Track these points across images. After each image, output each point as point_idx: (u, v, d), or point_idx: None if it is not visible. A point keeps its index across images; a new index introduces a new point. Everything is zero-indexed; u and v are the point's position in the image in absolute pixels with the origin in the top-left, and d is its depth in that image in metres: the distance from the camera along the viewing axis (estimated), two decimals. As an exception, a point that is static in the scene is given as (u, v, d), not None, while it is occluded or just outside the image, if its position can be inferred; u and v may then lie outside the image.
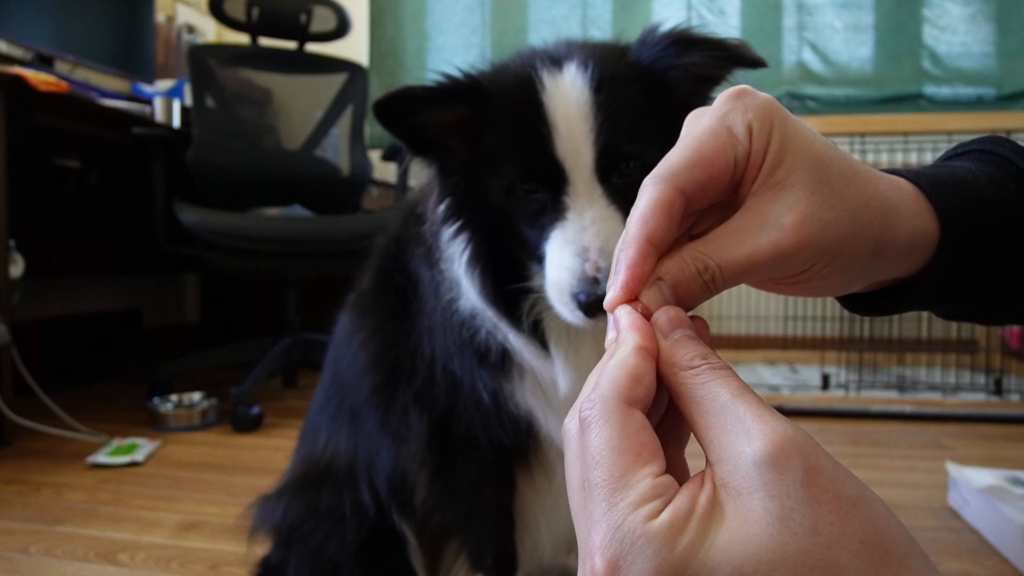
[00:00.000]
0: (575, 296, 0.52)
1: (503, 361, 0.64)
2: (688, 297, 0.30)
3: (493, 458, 0.68)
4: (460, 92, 0.59)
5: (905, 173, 0.34)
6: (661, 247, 0.30)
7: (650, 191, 0.30)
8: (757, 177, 0.30)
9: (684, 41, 0.58)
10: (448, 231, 0.62)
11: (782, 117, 0.30)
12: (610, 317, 0.30)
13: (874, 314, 0.38)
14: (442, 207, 0.62)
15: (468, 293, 0.63)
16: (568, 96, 0.55)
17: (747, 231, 0.29)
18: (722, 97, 0.31)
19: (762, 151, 0.30)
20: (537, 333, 0.61)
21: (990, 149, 0.37)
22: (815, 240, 0.29)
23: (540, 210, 0.56)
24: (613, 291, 0.30)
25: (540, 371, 0.63)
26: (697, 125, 0.31)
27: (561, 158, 0.55)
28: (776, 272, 0.30)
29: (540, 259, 0.57)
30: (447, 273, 0.64)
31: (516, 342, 0.62)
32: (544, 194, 0.56)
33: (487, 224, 0.60)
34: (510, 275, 0.60)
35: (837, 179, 0.30)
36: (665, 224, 0.29)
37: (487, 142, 0.58)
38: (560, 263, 0.53)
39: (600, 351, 0.65)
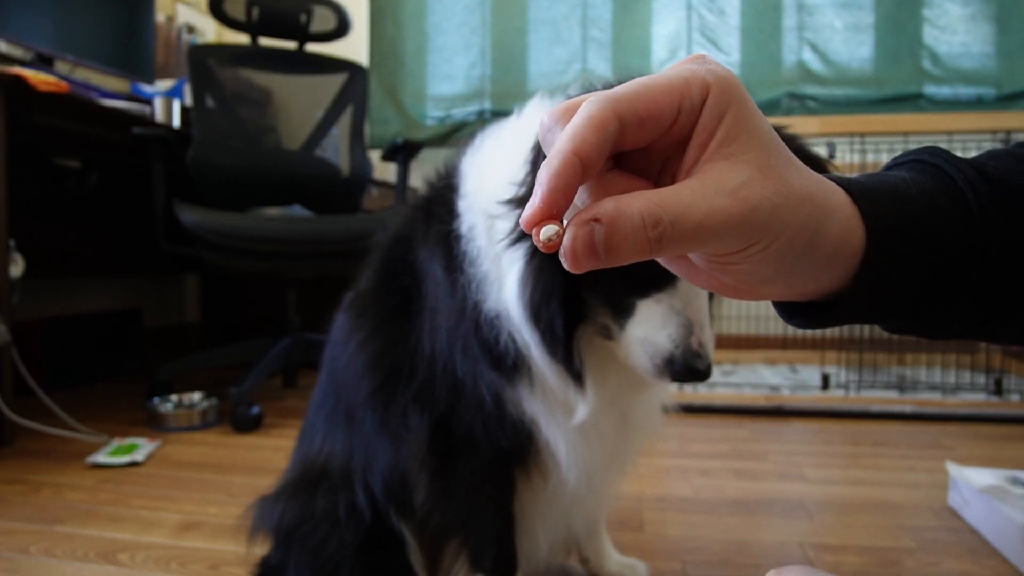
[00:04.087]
0: (671, 363, 0.55)
1: (517, 367, 0.64)
2: (629, 253, 0.27)
3: (493, 459, 0.68)
4: None
5: (837, 179, 0.34)
6: (588, 167, 0.26)
7: (585, 108, 0.27)
8: (709, 144, 0.29)
9: (804, 156, 0.60)
10: (515, 244, 0.60)
11: (741, 95, 0.29)
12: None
13: (811, 326, 0.37)
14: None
15: (498, 297, 0.63)
16: None
17: (703, 193, 0.27)
18: (686, 59, 0.30)
19: (716, 118, 0.28)
20: (572, 362, 0.62)
21: (926, 159, 0.36)
22: (764, 218, 0.28)
23: (645, 267, 0.57)
24: (532, 206, 0.26)
25: (557, 390, 0.64)
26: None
27: None
28: (720, 245, 0.29)
29: (620, 309, 0.59)
30: (472, 275, 0.64)
31: (544, 362, 0.62)
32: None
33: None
34: (570, 307, 0.60)
35: (784, 168, 0.30)
36: (595, 142, 0.26)
37: None
38: (663, 328, 0.56)
39: (626, 385, 0.66)
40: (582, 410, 0.63)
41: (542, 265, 0.59)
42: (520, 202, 0.58)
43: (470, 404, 0.66)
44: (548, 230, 0.27)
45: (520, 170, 0.60)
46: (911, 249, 0.33)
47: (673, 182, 0.30)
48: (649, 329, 0.57)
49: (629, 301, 0.58)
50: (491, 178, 0.66)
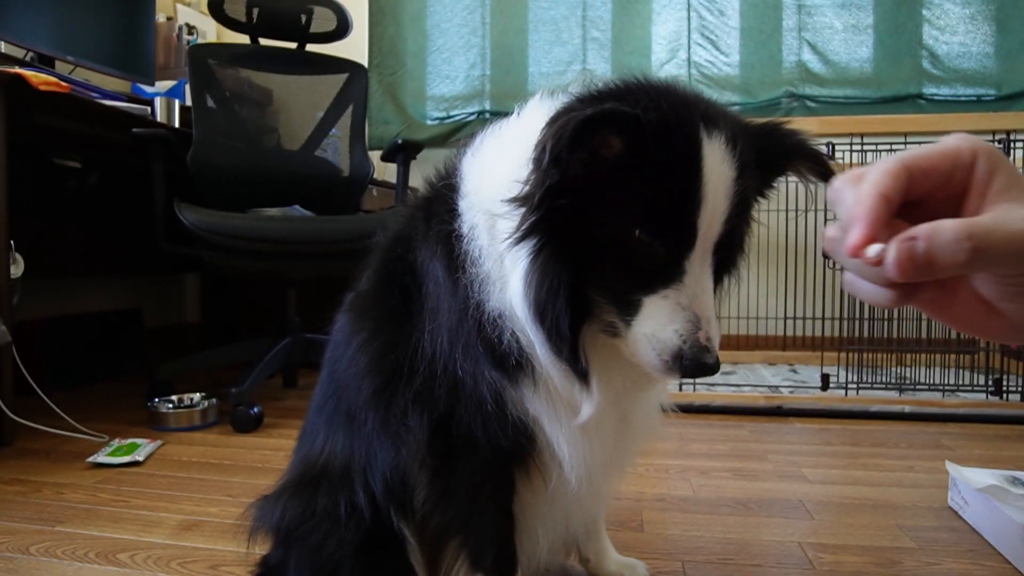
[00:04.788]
0: (680, 358, 0.56)
1: (520, 366, 0.64)
2: (944, 262, 0.33)
3: (493, 459, 0.68)
4: (638, 125, 0.56)
5: None
6: (891, 205, 0.35)
7: (881, 165, 0.36)
8: (988, 192, 0.36)
9: (808, 150, 0.65)
10: (519, 243, 0.59)
11: (1003, 157, 0.37)
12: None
13: None
14: (530, 220, 0.58)
15: (501, 296, 0.62)
16: (720, 170, 0.57)
17: (1003, 219, 0.34)
18: (954, 136, 0.38)
19: (989, 173, 0.36)
20: (578, 360, 0.61)
21: None
22: None
23: (651, 264, 0.57)
24: (856, 233, 0.35)
25: (562, 388, 0.64)
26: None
27: (699, 225, 0.57)
28: (1021, 262, 0.35)
29: (626, 305, 0.59)
30: (474, 275, 0.64)
31: (549, 361, 0.62)
32: (664, 252, 0.57)
33: (570, 252, 0.58)
34: (575, 305, 0.59)
35: None
36: (895, 186, 0.35)
37: (623, 178, 0.57)
38: (670, 324, 0.57)
39: (629, 384, 0.66)
40: (587, 409, 0.63)
41: (547, 263, 0.58)
42: (524, 200, 0.58)
43: (470, 404, 0.66)
44: (876, 248, 0.35)
45: (523, 169, 0.60)
46: None
47: None
48: (656, 325, 0.57)
49: (635, 298, 0.58)
50: (492, 178, 0.66)
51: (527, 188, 0.58)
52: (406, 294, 0.70)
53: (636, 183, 0.57)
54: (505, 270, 0.63)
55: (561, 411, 0.65)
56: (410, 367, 0.68)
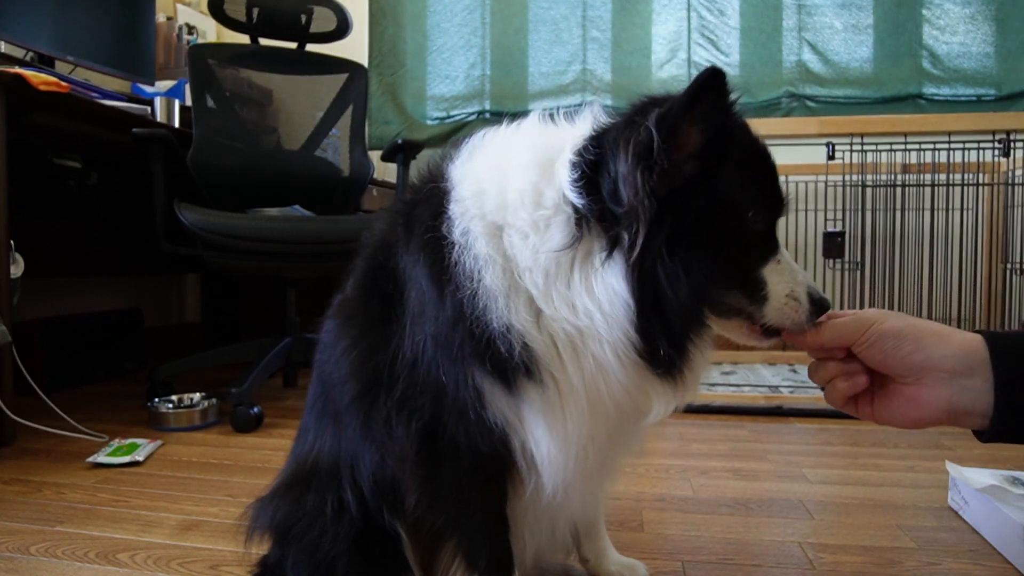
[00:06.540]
0: (813, 299, 0.64)
1: (529, 374, 0.62)
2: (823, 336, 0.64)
3: (475, 464, 0.67)
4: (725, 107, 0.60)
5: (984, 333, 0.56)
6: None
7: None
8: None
9: None
10: (640, 256, 0.58)
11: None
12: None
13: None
14: (644, 221, 0.57)
15: (506, 308, 0.61)
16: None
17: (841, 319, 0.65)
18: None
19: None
20: (685, 363, 0.63)
21: None
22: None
23: (758, 241, 0.64)
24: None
25: (631, 391, 0.63)
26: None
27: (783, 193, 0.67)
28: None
29: (751, 284, 0.63)
30: (468, 286, 0.61)
31: (635, 367, 0.61)
32: (765, 226, 0.64)
33: (687, 251, 0.59)
34: (695, 308, 0.61)
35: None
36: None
37: (719, 167, 0.59)
38: (796, 279, 0.65)
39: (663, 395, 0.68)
40: (661, 407, 0.65)
41: (670, 266, 0.58)
42: (630, 209, 0.58)
43: (453, 411, 0.64)
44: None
45: (540, 179, 0.62)
46: None
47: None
48: (789, 285, 0.64)
49: (755, 275, 0.63)
50: (502, 185, 0.64)
51: (628, 198, 0.57)
52: (387, 301, 0.69)
53: (732, 168, 0.60)
54: (515, 281, 0.61)
55: (569, 417, 0.64)
56: (390, 373, 0.67)
